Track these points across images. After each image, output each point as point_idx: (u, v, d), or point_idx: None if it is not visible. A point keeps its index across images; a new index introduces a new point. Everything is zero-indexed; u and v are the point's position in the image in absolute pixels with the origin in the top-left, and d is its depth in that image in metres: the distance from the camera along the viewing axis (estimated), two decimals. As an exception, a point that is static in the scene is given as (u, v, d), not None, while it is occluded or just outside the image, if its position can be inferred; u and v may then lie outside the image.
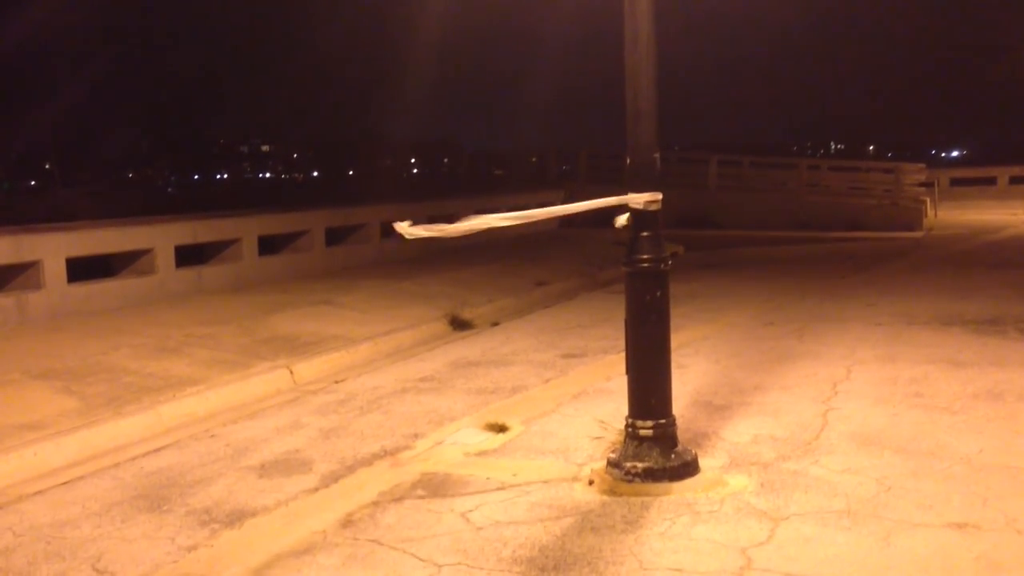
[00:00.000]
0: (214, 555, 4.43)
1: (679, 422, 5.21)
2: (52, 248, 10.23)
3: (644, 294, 5.00)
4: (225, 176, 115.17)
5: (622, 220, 5.01)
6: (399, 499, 5.05)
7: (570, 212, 5.23)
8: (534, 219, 5.31)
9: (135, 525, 4.86)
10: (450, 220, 5.23)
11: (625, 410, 5.19)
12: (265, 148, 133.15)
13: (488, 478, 5.31)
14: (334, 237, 14.84)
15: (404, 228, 5.05)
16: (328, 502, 5.08)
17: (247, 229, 12.97)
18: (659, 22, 5.00)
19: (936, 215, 24.36)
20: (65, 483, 5.61)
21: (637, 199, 4.93)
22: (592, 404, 6.82)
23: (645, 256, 4.97)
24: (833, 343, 8.59)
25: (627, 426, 5.13)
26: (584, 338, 9.52)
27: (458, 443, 6.02)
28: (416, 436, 6.25)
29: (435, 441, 6.11)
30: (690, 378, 7.39)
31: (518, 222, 5.17)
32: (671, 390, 5.15)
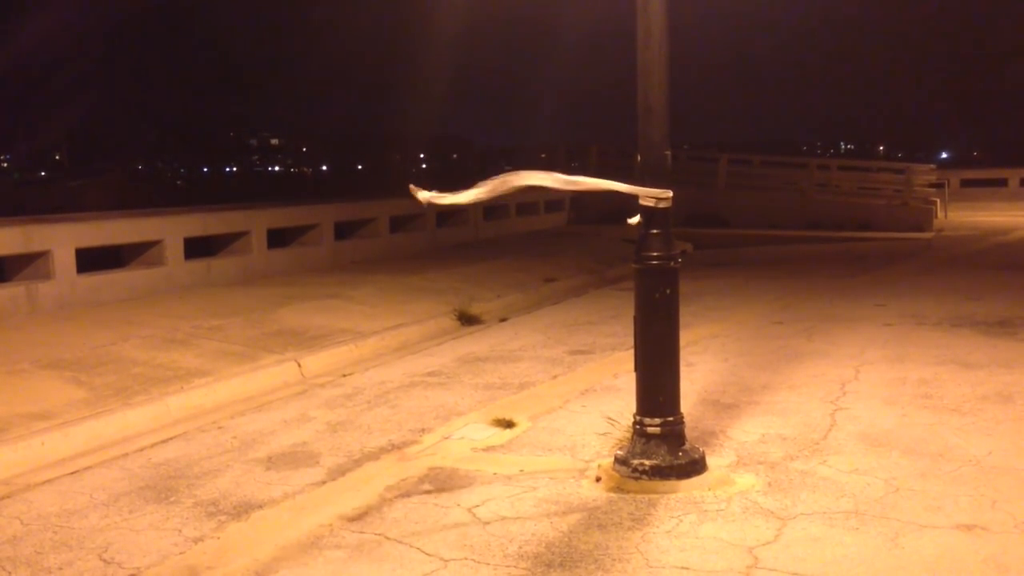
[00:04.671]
0: (221, 547, 4.44)
1: (687, 420, 5.20)
2: (62, 238, 10.26)
3: (653, 291, 4.99)
4: (234, 169, 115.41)
5: (634, 220, 5.00)
6: (406, 493, 5.05)
7: (585, 186, 5.04)
8: (547, 186, 5.17)
9: (142, 516, 4.88)
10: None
11: (633, 407, 5.18)
12: (274, 141, 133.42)
13: (495, 473, 5.31)
14: (343, 231, 14.87)
15: (422, 195, 4.88)
16: (335, 495, 5.09)
17: (256, 222, 12.99)
18: (671, 20, 4.99)
19: (946, 216, 24.28)
20: (73, 473, 5.63)
21: (648, 194, 4.91)
22: (600, 401, 6.81)
23: (655, 253, 4.95)
24: (842, 343, 8.57)
25: (635, 423, 5.12)
26: (592, 335, 9.51)
27: (465, 438, 6.02)
28: (423, 431, 6.26)
29: (442, 436, 6.11)
30: (698, 376, 7.38)
31: (533, 183, 5.02)
32: (679, 388, 5.14)
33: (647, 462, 4.98)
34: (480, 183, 4.84)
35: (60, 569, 4.25)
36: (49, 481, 5.49)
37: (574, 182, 5.05)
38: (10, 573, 4.25)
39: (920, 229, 20.91)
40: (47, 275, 10.03)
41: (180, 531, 4.64)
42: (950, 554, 4.03)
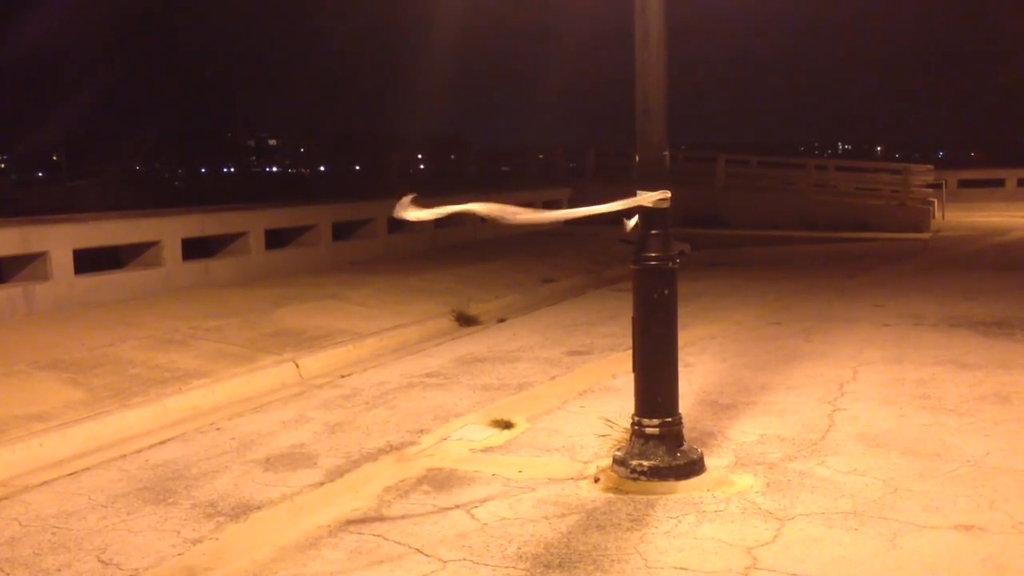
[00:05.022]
0: (219, 548, 4.44)
1: (685, 421, 5.21)
2: (59, 239, 10.25)
3: (651, 292, 5.00)
4: (232, 170, 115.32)
5: (630, 223, 5.00)
6: (404, 494, 5.05)
7: (581, 215, 5.13)
8: (549, 220, 5.28)
9: (140, 517, 4.87)
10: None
11: (631, 408, 5.18)
12: (272, 142, 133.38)
13: (493, 474, 5.31)
14: (341, 232, 14.86)
15: (408, 213, 4.84)
16: (333, 497, 5.08)
17: (254, 223, 12.98)
18: (669, 21, 4.99)
19: (944, 216, 24.28)
20: (71, 474, 5.62)
21: (647, 198, 4.91)
22: (598, 402, 6.81)
23: (653, 254, 4.96)
24: (840, 343, 8.57)
25: (633, 424, 5.12)
26: (590, 335, 9.51)
27: (464, 439, 6.02)
28: (421, 432, 6.25)
29: (440, 437, 6.11)
30: (696, 377, 7.38)
31: (532, 220, 5.12)
32: (677, 389, 5.14)
33: (645, 463, 4.98)
34: (474, 202, 4.88)
35: (58, 570, 4.24)
36: (47, 482, 5.48)
37: (575, 213, 5.10)
38: (8, 575, 4.25)
39: (918, 229, 20.92)
40: (44, 276, 10.02)
41: (178, 532, 4.64)
42: (948, 554, 4.03)
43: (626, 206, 4.94)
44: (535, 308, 11.51)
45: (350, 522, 4.68)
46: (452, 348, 9.13)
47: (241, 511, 4.91)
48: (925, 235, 20.28)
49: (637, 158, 5.04)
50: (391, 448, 5.92)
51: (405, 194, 4.82)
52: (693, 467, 5.04)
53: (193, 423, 6.69)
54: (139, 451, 6.06)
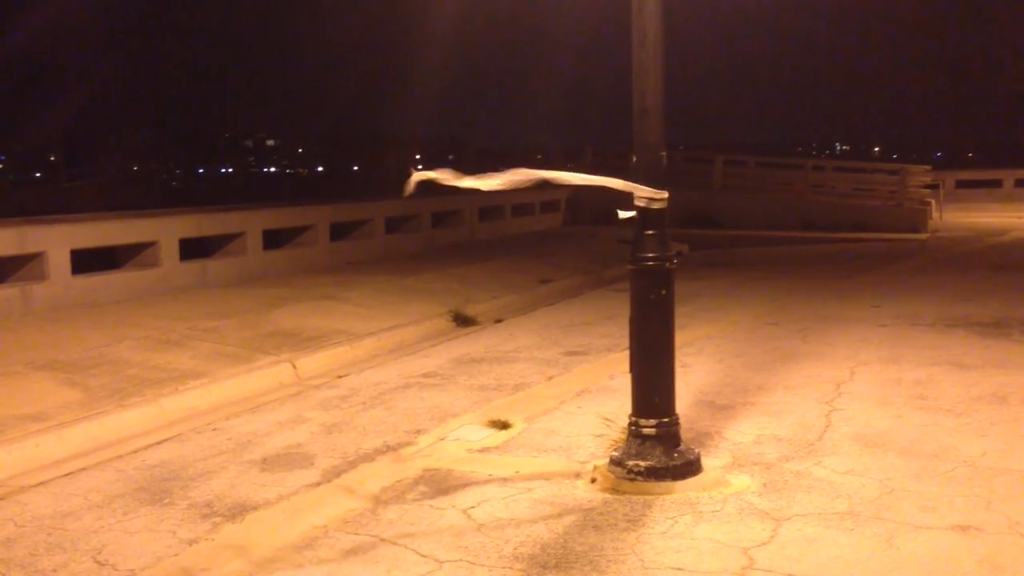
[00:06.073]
0: (215, 548, 4.43)
1: (682, 421, 5.20)
2: (56, 240, 10.25)
3: (649, 292, 4.99)
4: (230, 170, 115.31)
5: (626, 213, 4.98)
6: (401, 495, 5.05)
7: (577, 182, 5.15)
8: (555, 181, 5.21)
9: (137, 518, 4.87)
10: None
11: (628, 408, 5.18)
12: (270, 143, 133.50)
13: (490, 475, 5.30)
14: (338, 232, 14.86)
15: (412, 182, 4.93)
16: (330, 497, 5.08)
17: (252, 223, 12.98)
18: (667, 21, 4.99)
19: (941, 217, 24.30)
20: (67, 475, 5.61)
21: (644, 192, 4.91)
22: (595, 402, 6.81)
23: (650, 254, 4.95)
24: (837, 344, 8.58)
25: (630, 424, 5.12)
26: (588, 336, 9.51)
27: (460, 439, 6.02)
28: (418, 432, 6.25)
29: (437, 437, 6.10)
30: (693, 377, 7.38)
31: (517, 180, 5.14)
32: (674, 389, 5.13)
33: (642, 463, 4.98)
34: (496, 174, 4.96)
35: (54, 571, 4.24)
36: (43, 483, 5.47)
37: (577, 178, 5.12)
38: (4, 575, 4.24)
39: (915, 230, 20.93)
40: (42, 276, 10.01)
41: (174, 533, 4.63)
42: (945, 555, 4.03)
43: (623, 187, 4.92)
44: (532, 308, 11.51)
45: (346, 522, 4.68)
46: (449, 348, 9.13)
47: (237, 511, 4.90)
48: (922, 235, 20.29)
49: (634, 159, 5.04)
50: (388, 448, 5.91)
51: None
52: (690, 467, 5.03)
53: (190, 423, 6.68)
54: (136, 451, 6.05)
